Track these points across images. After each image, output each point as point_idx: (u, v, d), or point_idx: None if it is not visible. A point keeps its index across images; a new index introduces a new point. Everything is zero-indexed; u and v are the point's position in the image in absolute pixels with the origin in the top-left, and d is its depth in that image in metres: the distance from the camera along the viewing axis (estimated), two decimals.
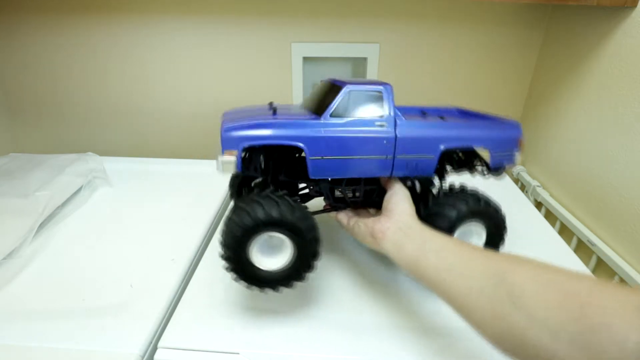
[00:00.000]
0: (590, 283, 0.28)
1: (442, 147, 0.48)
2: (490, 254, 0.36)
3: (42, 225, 0.64)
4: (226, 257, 0.44)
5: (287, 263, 0.45)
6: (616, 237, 0.66)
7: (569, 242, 0.69)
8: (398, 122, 0.47)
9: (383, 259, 0.59)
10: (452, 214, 0.49)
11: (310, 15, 0.87)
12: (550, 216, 0.81)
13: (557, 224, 0.78)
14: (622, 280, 0.62)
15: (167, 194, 0.77)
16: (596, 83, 0.71)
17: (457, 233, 0.51)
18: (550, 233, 0.69)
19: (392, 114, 0.47)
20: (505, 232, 0.53)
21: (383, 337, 0.47)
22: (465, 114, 0.61)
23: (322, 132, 0.45)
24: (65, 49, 0.93)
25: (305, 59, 0.92)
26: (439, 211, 0.50)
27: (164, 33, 0.91)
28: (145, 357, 0.45)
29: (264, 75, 0.95)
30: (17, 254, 0.58)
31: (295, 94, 0.96)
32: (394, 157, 0.48)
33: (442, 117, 0.53)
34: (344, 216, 0.53)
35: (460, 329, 0.47)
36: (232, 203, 0.59)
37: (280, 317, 0.50)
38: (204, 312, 0.50)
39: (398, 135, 0.47)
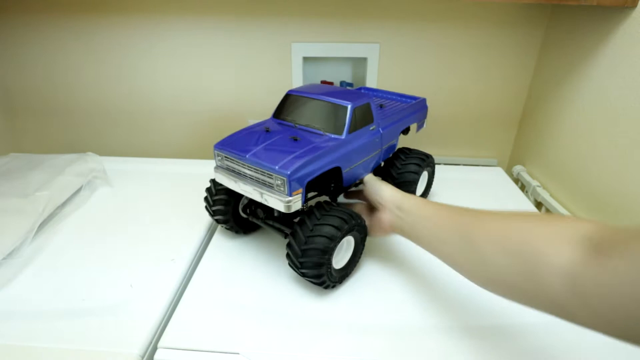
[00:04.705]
0: (535, 223, 0.37)
1: (400, 130, 0.67)
2: (461, 216, 0.44)
3: (42, 225, 0.64)
4: (311, 269, 0.49)
5: (347, 261, 0.53)
6: None
7: None
8: (380, 122, 0.60)
9: (380, 259, 0.59)
10: (414, 177, 0.66)
11: (310, 15, 0.87)
12: None
13: None
14: None
15: (167, 194, 0.77)
16: (596, 83, 0.71)
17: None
18: None
19: (376, 116, 0.59)
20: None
21: (382, 337, 0.47)
22: (370, 90, 0.79)
23: (348, 147, 0.53)
24: (65, 49, 0.93)
25: (305, 59, 0.92)
26: (404, 178, 0.65)
27: (163, 33, 0.91)
28: (145, 357, 0.45)
29: (264, 75, 0.95)
30: (17, 254, 0.58)
31: None
32: (381, 148, 0.61)
33: (381, 105, 0.68)
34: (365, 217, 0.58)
35: (458, 328, 0.48)
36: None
37: (280, 317, 0.50)
38: (204, 312, 0.50)
39: (382, 132, 0.60)
